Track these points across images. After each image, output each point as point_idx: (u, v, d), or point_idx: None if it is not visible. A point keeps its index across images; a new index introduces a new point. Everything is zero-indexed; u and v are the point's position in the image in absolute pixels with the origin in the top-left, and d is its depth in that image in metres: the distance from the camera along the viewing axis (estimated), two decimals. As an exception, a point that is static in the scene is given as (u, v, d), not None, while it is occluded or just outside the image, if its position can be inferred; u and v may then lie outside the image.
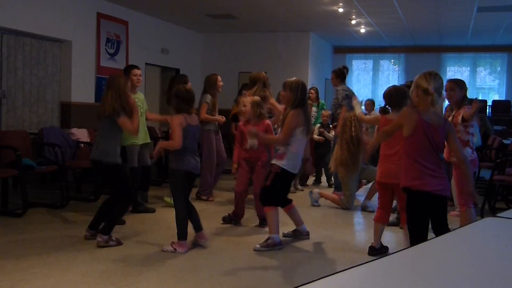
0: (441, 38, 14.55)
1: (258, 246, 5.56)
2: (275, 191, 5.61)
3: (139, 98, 6.91)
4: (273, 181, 5.53)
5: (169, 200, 7.24)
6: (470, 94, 14.99)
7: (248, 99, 6.54)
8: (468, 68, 16.08)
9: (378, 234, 5.47)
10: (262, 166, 6.44)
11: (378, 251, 5.45)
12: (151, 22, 12.40)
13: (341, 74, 8.58)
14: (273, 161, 5.61)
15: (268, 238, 5.62)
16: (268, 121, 6.47)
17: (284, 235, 6.03)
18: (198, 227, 5.61)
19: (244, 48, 14.46)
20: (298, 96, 5.48)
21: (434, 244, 1.94)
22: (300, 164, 5.79)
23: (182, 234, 5.37)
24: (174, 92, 5.61)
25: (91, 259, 4.99)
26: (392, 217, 6.46)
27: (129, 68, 7.06)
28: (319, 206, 7.94)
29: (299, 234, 6.07)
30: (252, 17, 12.41)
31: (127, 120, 5.49)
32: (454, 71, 16.20)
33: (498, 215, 2.35)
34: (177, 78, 7.86)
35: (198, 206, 5.97)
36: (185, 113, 5.42)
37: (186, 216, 5.44)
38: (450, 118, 5.67)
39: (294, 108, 5.46)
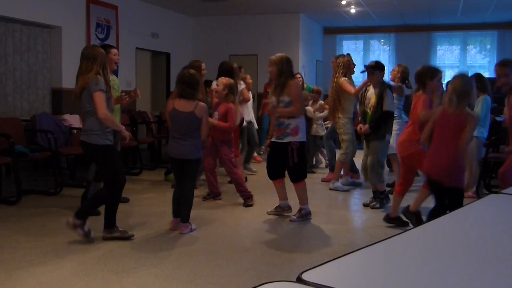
0: (431, 17, 14.49)
1: (294, 217, 5.97)
2: (303, 165, 5.93)
3: (115, 81, 6.32)
4: (298, 157, 5.78)
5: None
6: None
7: (222, 80, 6.80)
8: (459, 47, 16.05)
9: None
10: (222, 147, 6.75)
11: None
12: (141, 6, 12.24)
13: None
14: (289, 139, 5.75)
15: (301, 209, 5.99)
16: (231, 105, 6.63)
17: (268, 213, 6.24)
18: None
19: (235, 31, 14.35)
20: (285, 68, 5.74)
21: (441, 223, 1.93)
22: None
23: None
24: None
25: (87, 245, 4.95)
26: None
27: (107, 48, 6.14)
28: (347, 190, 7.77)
29: (281, 210, 6.21)
30: (242, -1, 12.29)
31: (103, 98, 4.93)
32: (444, 50, 16.19)
33: (503, 191, 2.35)
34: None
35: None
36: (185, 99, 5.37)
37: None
38: None
39: (289, 79, 5.74)
